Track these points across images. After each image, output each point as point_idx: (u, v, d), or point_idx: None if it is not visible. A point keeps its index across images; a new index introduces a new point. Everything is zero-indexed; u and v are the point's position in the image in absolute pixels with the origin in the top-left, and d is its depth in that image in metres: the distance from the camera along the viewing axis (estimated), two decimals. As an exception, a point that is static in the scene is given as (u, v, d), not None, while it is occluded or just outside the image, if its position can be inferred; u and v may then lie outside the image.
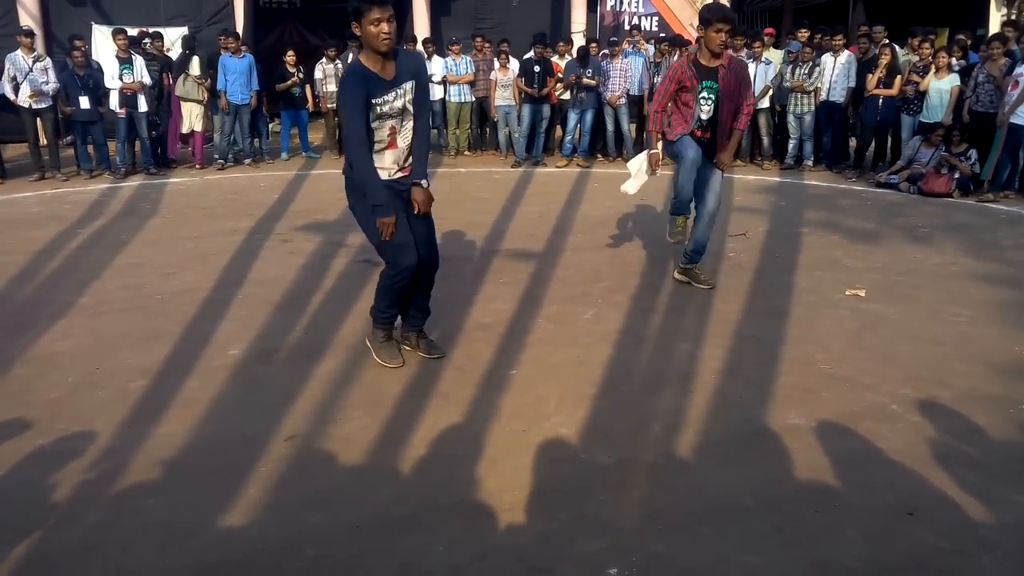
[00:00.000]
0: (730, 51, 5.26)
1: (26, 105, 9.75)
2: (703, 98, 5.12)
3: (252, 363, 4.24)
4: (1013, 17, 13.87)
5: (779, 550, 2.69)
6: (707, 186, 5.31)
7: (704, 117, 5.17)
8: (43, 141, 10.12)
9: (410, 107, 3.87)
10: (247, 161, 11.20)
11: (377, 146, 3.85)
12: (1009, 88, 8.53)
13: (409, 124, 3.90)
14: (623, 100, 11.06)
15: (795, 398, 3.80)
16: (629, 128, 11.39)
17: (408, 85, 3.84)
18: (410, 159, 3.97)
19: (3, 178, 9.92)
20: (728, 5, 9.80)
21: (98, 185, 9.68)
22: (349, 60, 11.34)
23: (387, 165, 3.90)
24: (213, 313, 5.00)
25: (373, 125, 3.79)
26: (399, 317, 4.25)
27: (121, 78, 9.92)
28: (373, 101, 3.74)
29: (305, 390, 3.88)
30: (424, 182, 4.00)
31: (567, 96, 11.30)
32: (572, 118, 11.20)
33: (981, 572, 2.57)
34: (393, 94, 3.79)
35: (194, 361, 4.25)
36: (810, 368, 4.15)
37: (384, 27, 3.60)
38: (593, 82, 10.89)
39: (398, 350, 4.21)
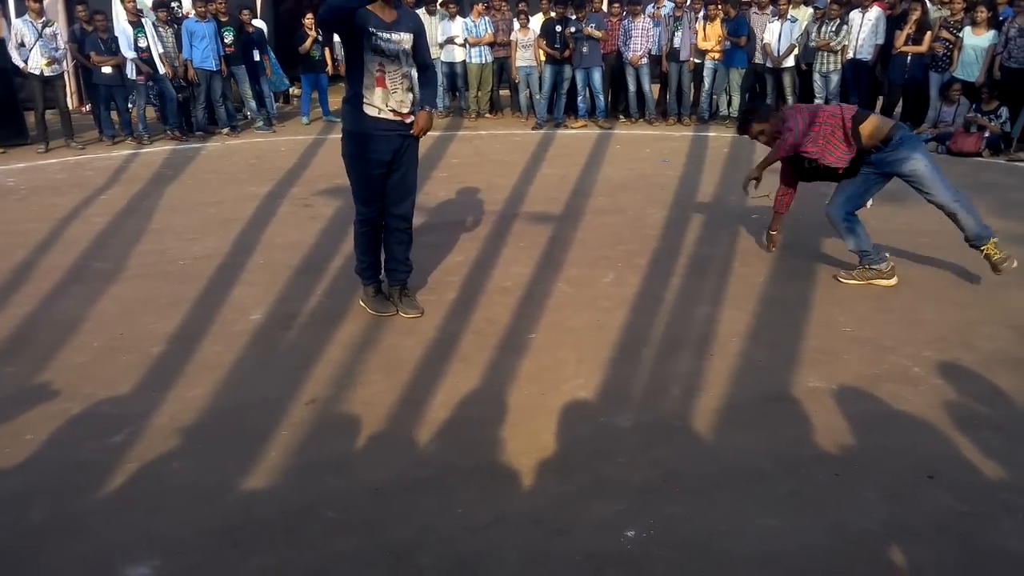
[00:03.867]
0: None
1: (37, 72, 9.56)
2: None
3: (273, 328, 4.27)
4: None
5: (797, 513, 2.69)
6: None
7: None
8: (72, 106, 10.09)
9: (403, 56, 4.05)
10: (225, 131, 10.68)
11: (366, 80, 4.01)
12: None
13: (399, 71, 4.05)
14: (645, 60, 10.90)
15: (816, 361, 3.77)
16: (651, 89, 11.25)
17: (406, 36, 4.05)
18: (403, 106, 4.09)
19: (28, 142, 9.99)
20: None
21: (121, 151, 9.72)
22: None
23: (376, 103, 4.04)
24: (234, 278, 5.04)
25: (365, 57, 3.96)
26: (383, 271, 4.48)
27: (136, 43, 9.89)
28: (371, 29, 3.92)
29: (325, 354, 3.91)
30: (428, 107, 4.17)
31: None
32: (578, 77, 11.03)
33: (1001, 535, 2.56)
34: (388, 34, 3.97)
35: (216, 326, 4.30)
36: (831, 331, 4.12)
37: None
38: (598, 33, 10.68)
39: (389, 300, 4.43)
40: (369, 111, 4.04)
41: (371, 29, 3.91)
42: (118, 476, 2.93)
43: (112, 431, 3.23)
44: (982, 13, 8.96)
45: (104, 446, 3.12)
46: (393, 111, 4.05)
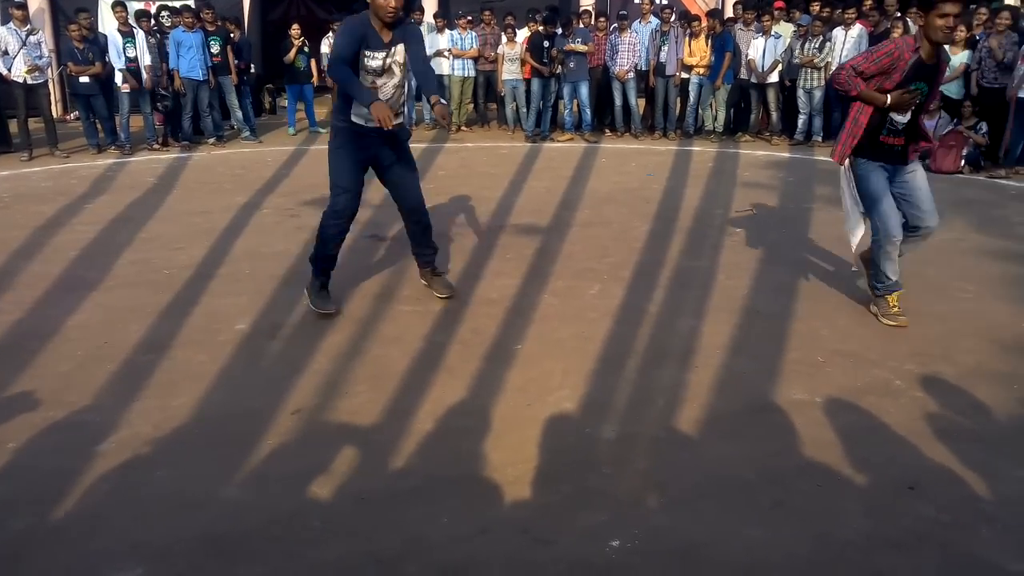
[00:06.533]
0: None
1: (20, 80, 9.51)
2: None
3: (259, 337, 4.27)
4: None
5: (781, 524, 2.71)
6: (914, 188, 4.36)
7: (901, 120, 4.25)
8: (56, 115, 10.06)
9: (395, 68, 4.29)
10: (211, 141, 10.73)
11: None
12: (1019, 62, 8.46)
13: (391, 83, 4.31)
14: (631, 75, 11.00)
15: (799, 373, 3.81)
16: (637, 103, 11.34)
17: (399, 47, 4.27)
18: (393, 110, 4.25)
19: (12, 150, 9.93)
20: None
21: (105, 160, 9.70)
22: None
23: (364, 114, 4.22)
24: (220, 288, 5.03)
25: (360, 75, 4.19)
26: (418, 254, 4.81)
27: (125, 52, 9.87)
28: (366, 52, 4.17)
29: (311, 364, 3.91)
30: (442, 100, 4.44)
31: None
32: (565, 90, 11.15)
33: (981, 545, 2.59)
34: (383, 53, 4.22)
35: (202, 335, 4.28)
36: (815, 343, 4.16)
37: (392, 3, 4.07)
38: (584, 48, 10.78)
39: (331, 299, 4.58)
40: (356, 120, 4.29)
41: (367, 51, 4.17)
42: (102, 485, 2.92)
43: (96, 440, 3.21)
44: (961, 32, 9.11)
45: (88, 454, 3.10)
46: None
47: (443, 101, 4.46)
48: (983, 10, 9.65)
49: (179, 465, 3.06)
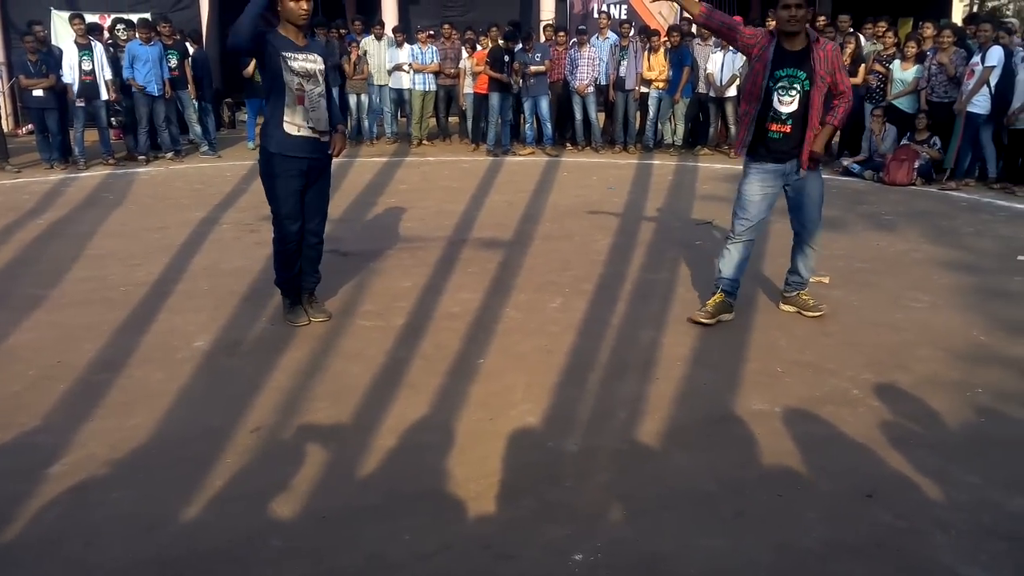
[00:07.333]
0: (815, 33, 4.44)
1: None
2: (782, 87, 4.33)
3: (218, 355, 4.21)
4: (975, 9, 14.07)
5: (742, 534, 2.73)
6: (803, 197, 4.56)
7: (784, 110, 4.36)
8: (8, 129, 9.88)
9: (319, 76, 4.32)
10: (169, 155, 10.60)
11: (288, 99, 4.24)
12: (965, 78, 8.69)
13: (316, 90, 4.32)
14: (591, 89, 11.09)
15: (759, 384, 3.85)
16: (597, 117, 11.43)
17: (319, 58, 4.35)
18: (320, 123, 4.34)
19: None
20: None
21: (59, 175, 9.52)
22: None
23: (297, 121, 4.27)
24: (178, 305, 4.95)
25: (285, 78, 4.21)
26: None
27: (81, 65, 9.72)
28: (284, 55, 4.19)
29: (271, 381, 3.87)
30: (342, 127, 4.58)
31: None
32: (526, 105, 11.24)
33: (936, 550, 2.63)
34: (303, 56, 4.26)
35: (159, 353, 4.21)
36: (774, 354, 4.21)
37: (303, 4, 4.16)
38: (543, 68, 10.88)
39: (304, 312, 4.66)
40: (289, 129, 4.27)
41: (285, 53, 4.20)
42: (53, 508, 2.85)
43: (47, 462, 3.13)
44: (911, 48, 9.35)
45: (39, 477, 3.03)
46: (311, 129, 4.30)
47: (343, 129, 4.59)
48: (928, 25, 9.90)
49: (135, 486, 3.00)
